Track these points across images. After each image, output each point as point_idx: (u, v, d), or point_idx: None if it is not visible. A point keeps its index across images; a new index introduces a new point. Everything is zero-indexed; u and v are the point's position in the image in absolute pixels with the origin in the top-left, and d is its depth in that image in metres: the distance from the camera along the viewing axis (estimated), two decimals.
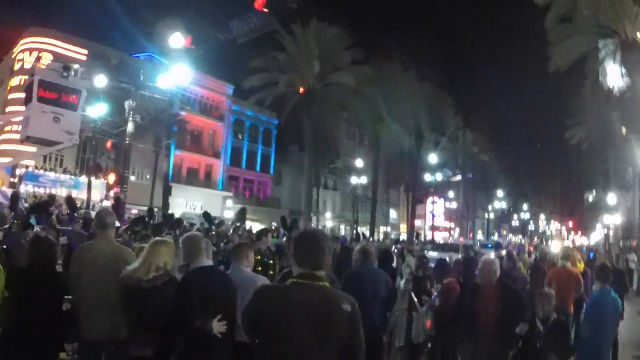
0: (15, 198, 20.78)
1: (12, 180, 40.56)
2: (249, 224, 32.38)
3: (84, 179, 40.23)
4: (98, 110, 33.68)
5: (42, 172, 41.56)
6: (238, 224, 24.89)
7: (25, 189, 36.04)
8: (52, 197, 25.19)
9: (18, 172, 41.12)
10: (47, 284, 5.67)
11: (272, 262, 10.95)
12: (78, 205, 25.78)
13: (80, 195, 36.44)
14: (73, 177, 42.35)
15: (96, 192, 37.20)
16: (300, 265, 3.76)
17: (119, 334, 5.62)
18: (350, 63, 46.63)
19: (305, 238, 3.94)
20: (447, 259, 14.05)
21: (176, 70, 28.10)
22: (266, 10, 21.28)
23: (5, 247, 10.21)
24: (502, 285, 7.44)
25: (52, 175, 42.25)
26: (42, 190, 37.58)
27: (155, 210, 29.56)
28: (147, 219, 19.33)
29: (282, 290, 3.90)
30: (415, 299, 9.57)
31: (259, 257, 9.69)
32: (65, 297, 6.09)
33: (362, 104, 51.09)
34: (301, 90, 45.20)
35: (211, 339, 5.18)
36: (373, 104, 52.38)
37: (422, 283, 10.83)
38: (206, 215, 22.52)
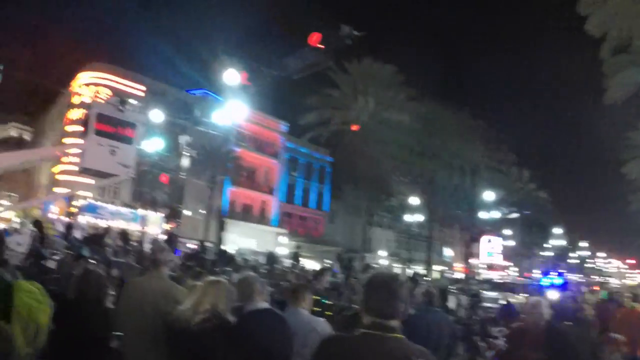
0: (69, 228, 21.02)
1: (69, 210, 41.21)
2: (302, 261, 32.17)
3: (141, 211, 40.68)
4: (154, 145, 34.02)
5: (101, 204, 42.21)
6: (294, 263, 24.71)
7: (84, 219, 36.50)
8: (106, 229, 25.46)
9: (76, 203, 41.83)
10: (95, 318, 5.50)
11: (329, 302, 10.61)
12: (133, 238, 25.95)
13: (137, 227, 36.89)
14: (132, 210, 42.81)
15: (153, 226, 37.56)
16: (370, 313, 3.34)
17: None
18: (403, 100, 46.50)
19: (377, 282, 3.47)
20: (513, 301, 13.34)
21: (231, 107, 28.18)
22: (321, 46, 21.20)
23: (58, 276, 10.19)
24: (550, 330, 6.76)
25: (110, 207, 42.92)
26: (100, 222, 38.09)
27: (210, 245, 29.55)
28: (200, 255, 19.26)
29: (350, 342, 3.41)
30: (480, 344, 9.01)
31: (317, 297, 9.40)
32: (114, 333, 5.90)
33: (415, 141, 50.79)
34: (355, 127, 45.18)
35: None
36: (427, 141, 52.03)
37: (477, 327, 10.31)
38: (270, 257, 22.24)
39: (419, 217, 64.98)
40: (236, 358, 4.90)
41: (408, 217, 65.17)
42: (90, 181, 29.38)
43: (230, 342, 4.99)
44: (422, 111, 48.25)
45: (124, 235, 22.07)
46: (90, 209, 40.58)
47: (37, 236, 16.49)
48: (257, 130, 62.84)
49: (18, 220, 43.57)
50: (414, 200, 63.00)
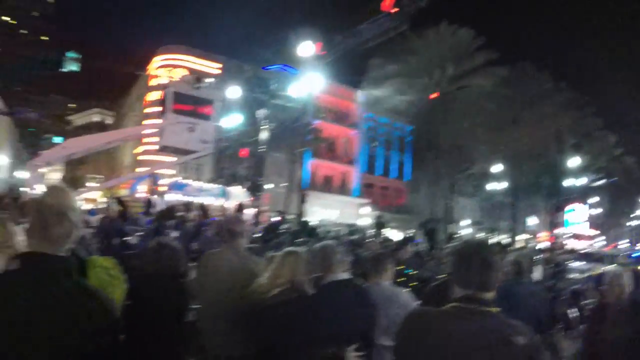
0: (149, 205, 21.35)
1: (155, 189, 42.11)
2: (384, 232, 31.84)
3: (226, 187, 41.01)
4: (232, 121, 34.33)
5: (187, 181, 42.92)
6: (377, 233, 24.35)
7: (172, 197, 37.10)
8: (187, 204, 25.74)
9: (163, 181, 42.68)
10: (170, 292, 5.30)
11: (413, 272, 10.21)
12: (216, 213, 26.09)
13: (223, 203, 37.26)
14: (217, 186, 43.28)
15: (237, 201, 37.85)
16: (461, 284, 3.02)
17: (235, 351, 5.20)
18: (483, 64, 45.24)
19: (469, 251, 3.12)
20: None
21: (307, 79, 28.02)
22: (395, 9, 20.71)
23: (139, 252, 10.25)
24: (635, 304, 6.00)
25: (196, 184, 43.56)
26: (187, 199, 38.69)
27: (291, 217, 29.57)
28: (279, 226, 19.12)
29: (439, 317, 3.04)
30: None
31: (402, 267, 8.99)
32: (191, 306, 5.71)
33: (497, 107, 49.43)
34: (433, 95, 44.33)
35: None
36: (508, 106, 50.56)
37: (566, 299, 9.71)
38: (352, 228, 21.81)
39: (502, 185, 63.44)
40: (315, 331, 4.63)
41: (491, 185, 63.66)
42: (172, 159, 29.76)
43: (309, 314, 4.77)
44: (502, 75, 46.85)
45: (203, 208, 22.20)
46: (177, 187, 41.25)
47: (120, 213, 16.76)
48: (335, 102, 62.50)
49: (104, 200, 44.81)
50: (497, 168, 61.52)
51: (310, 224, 21.14)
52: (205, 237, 14.62)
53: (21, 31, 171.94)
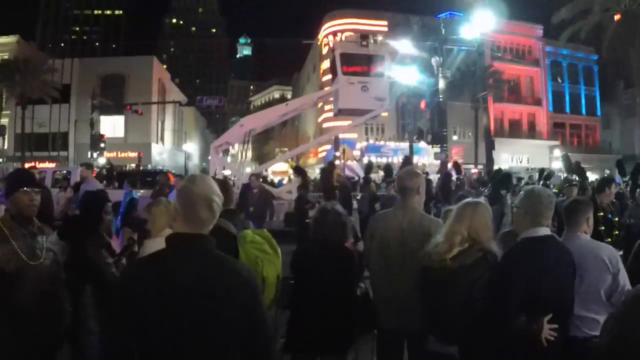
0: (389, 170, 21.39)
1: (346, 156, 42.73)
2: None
3: (422, 145, 40.54)
4: (408, 75, 33.43)
5: (382, 142, 42.95)
6: (571, 175, 22.33)
7: (371, 160, 37.12)
8: (369, 164, 25.43)
9: (358, 145, 43.02)
10: (336, 262, 4.68)
11: (616, 219, 8.70)
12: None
13: (421, 160, 36.85)
14: (415, 143, 42.91)
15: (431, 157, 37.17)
16: None
17: (414, 325, 4.38)
18: None
19: None
20: None
21: (478, 18, 26.47)
22: None
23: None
24: None
25: (392, 144, 43.61)
26: (384, 160, 38.64)
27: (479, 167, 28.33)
28: (454, 176, 17.93)
29: None
30: None
31: (601, 214, 7.66)
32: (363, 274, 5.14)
33: None
34: (617, 16, 40.44)
35: (538, 344, 3.63)
36: None
37: None
38: (544, 173, 20.08)
39: None
40: (506, 299, 3.73)
41: None
42: (348, 122, 29.44)
43: (498, 280, 3.84)
44: None
45: (387, 167, 21.63)
46: (373, 149, 41.18)
47: (301, 183, 16.59)
48: (512, 40, 60.06)
49: (291, 171, 45.95)
50: None
51: (502, 170, 19.32)
52: (387, 196, 13.97)
53: (192, 29, 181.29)
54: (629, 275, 4.17)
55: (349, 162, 34.33)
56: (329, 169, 20.63)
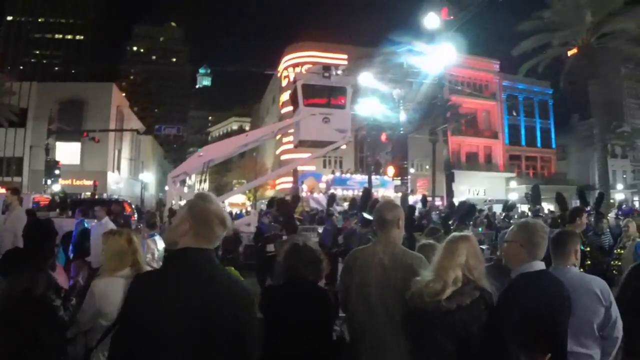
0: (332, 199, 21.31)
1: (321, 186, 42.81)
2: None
3: (387, 177, 40.82)
4: (368, 107, 33.57)
5: (349, 175, 43.12)
6: (536, 207, 22.54)
7: (334, 192, 37.28)
8: (331, 196, 25.40)
9: (324, 178, 43.03)
10: (311, 304, 4.36)
11: (588, 249, 8.57)
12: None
13: (386, 193, 36.96)
14: (379, 176, 43.08)
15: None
16: None
17: None
18: (623, 5, 41.43)
19: None
20: None
21: (439, 51, 26.77)
22: None
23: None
24: None
25: (358, 177, 43.88)
26: (350, 193, 38.72)
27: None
28: (423, 208, 17.91)
29: None
30: None
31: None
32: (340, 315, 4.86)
33: None
34: (574, 50, 41.27)
35: None
36: None
37: None
38: (507, 204, 20.24)
39: None
40: (506, 339, 3.47)
41: None
42: (308, 154, 29.41)
43: (497, 320, 3.65)
44: None
45: (352, 202, 21.54)
46: (339, 182, 41.21)
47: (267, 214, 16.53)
48: (470, 74, 61.17)
49: (248, 203, 45.92)
50: None
51: (467, 202, 19.23)
52: (354, 231, 13.82)
53: (152, 57, 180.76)
54: (617, 305, 4.10)
55: (315, 195, 34.28)
56: (293, 200, 20.50)
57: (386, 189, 39.09)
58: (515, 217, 24.87)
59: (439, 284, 3.78)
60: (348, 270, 4.66)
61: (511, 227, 4.20)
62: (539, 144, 68.18)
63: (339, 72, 28.46)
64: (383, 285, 4.28)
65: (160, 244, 8.81)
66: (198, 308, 2.79)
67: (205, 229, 2.96)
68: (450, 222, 13.07)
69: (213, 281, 2.92)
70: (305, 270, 4.47)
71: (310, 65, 44.10)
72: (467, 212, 14.13)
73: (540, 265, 3.81)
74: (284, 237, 12.09)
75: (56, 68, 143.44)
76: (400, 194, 29.12)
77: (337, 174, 44.53)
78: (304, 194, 41.67)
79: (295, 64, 57.60)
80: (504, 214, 25.82)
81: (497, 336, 3.53)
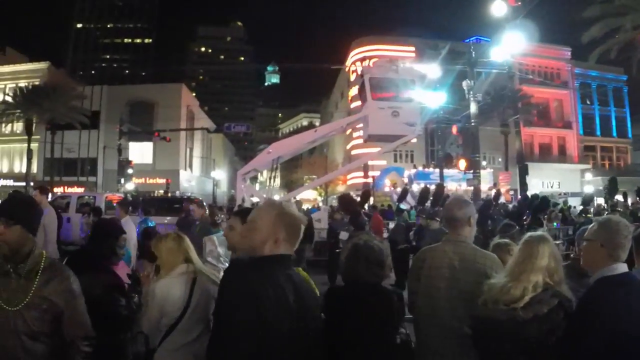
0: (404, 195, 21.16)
1: (394, 183, 42.66)
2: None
3: (469, 171, 40.36)
4: (437, 100, 33.14)
5: (432, 169, 42.84)
6: (614, 200, 21.75)
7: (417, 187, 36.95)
8: (404, 190, 25.24)
9: (406, 173, 42.82)
10: (372, 307, 4.03)
11: None
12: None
13: (468, 188, 36.63)
14: (461, 171, 42.54)
15: (484, 183, 36.85)
16: None
17: None
18: None
19: None
20: None
21: (507, 39, 26.15)
22: None
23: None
24: None
25: (438, 171, 43.61)
26: (432, 187, 38.56)
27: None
28: (494, 202, 17.39)
29: None
30: None
31: None
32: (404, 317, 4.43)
33: None
34: None
35: None
36: None
37: None
38: (586, 197, 19.49)
39: None
40: (590, 353, 3.12)
41: None
42: (377, 148, 29.23)
43: (578, 331, 3.22)
44: None
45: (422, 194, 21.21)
46: (422, 176, 40.85)
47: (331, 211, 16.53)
48: (540, 62, 59.85)
49: (319, 198, 46.06)
50: None
51: (541, 196, 18.41)
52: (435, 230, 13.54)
53: (219, 57, 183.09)
54: None
55: (398, 189, 34.10)
56: (363, 196, 20.39)
57: (467, 182, 38.55)
58: (591, 210, 24.05)
59: (518, 290, 3.45)
60: (415, 272, 4.45)
61: (591, 225, 3.65)
62: (614, 134, 65.85)
63: (407, 64, 28.17)
64: (452, 288, 4.03)
65: (220, 243, 8.43)
66: (302, 308, 2.96)
67: (294, 237, 3.11)
68: (524, 218, 12.68)
69: (302, 283, 3.11)
70: (365, 271, 4.16)
71: (377, 59, 43.94)
72: (540, 205, 13.56)
73: (623, 268, 3.36)
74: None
75: (126, 71, 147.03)
76: (472, 188, 28.61)
77: (420, 168, 44.07)
78: (386, 189, 41.56)
79: (362, 58, 57.55)
80: (580, 208, 24.99)
81: (581, 351, 3.15)
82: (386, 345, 4.06)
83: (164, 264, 4.76)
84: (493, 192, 28.28)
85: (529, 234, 3.84)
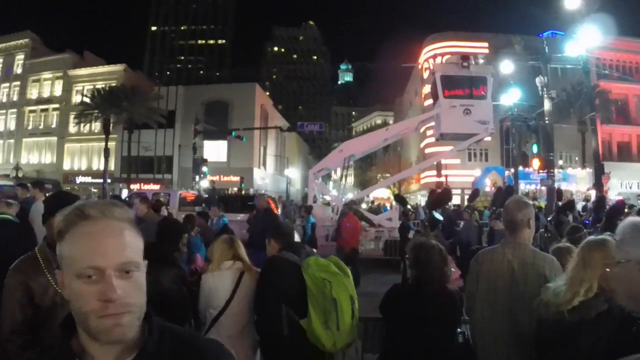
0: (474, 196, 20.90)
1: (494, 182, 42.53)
2: None
3: (570, 170, 39.70)
4: (511, 97, 32.69)
5: (531, 169, 42.44)
6: None
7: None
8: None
9: (507, 172, 42.58)
10: (437, 308, 4.17)
11: None
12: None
13: (569, 187, 36.07)
14: (560, 170, 41.78)
15: (582, 183, 36.20)
16: None
17: None
18: None
19: None
20: None
21: (582, 33, 25.52)
22: None
23: None
24: None
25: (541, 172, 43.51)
26: (533, 187, 38.22)
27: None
28: (568, 207, 16.88)
29: None
30: None
31: None
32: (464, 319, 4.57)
33: None
34: None
35: None
36: None
37: None
38: None
39: None
40: None
41: None
42: (449, 147, 29.00)
43: (624, 339, 2.89)
44: None
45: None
46: (523, 176, 40.41)
47: (401, 210, 16.48)
48: (619, 57, 57.79)
49: (392, 197, 46.00)
50: None
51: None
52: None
53: (292, 56, 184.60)
54: None
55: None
56: (444, 195, 20.28)
57: (569, 183, 37.76)
58: None
59: (569, 293, 3.26)
60: (474, 275, 4.40)
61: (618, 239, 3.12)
62: None
63: (479, 61, 27.88)
64: (510, 291, 4.02)
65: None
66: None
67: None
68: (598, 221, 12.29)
69: None
70: (433, 272, 4.28)
71: (449, 56, 43.61)
72: (614, 209, 12.95)
73: None
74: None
75: (200, 72, 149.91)
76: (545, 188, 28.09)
77: (520, 167, 43.49)
78: (487, 189, 41.11)
79: (435, 55, 57.09)
80: None
81: None
82: (450, 345, 4.23)
83: (215, 260, 5.33)
84: (592, 193, 27.22)
85: (589, 237, 3.64)
